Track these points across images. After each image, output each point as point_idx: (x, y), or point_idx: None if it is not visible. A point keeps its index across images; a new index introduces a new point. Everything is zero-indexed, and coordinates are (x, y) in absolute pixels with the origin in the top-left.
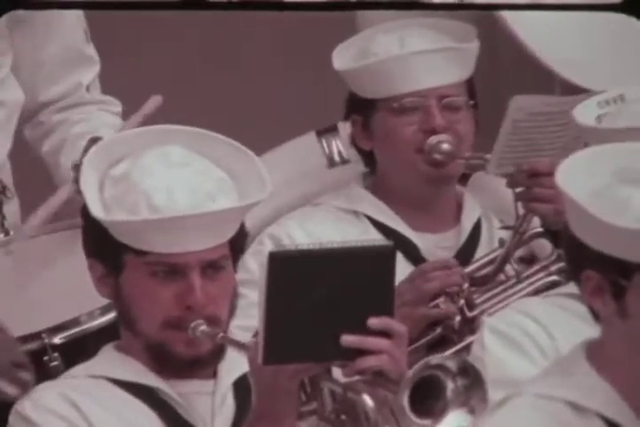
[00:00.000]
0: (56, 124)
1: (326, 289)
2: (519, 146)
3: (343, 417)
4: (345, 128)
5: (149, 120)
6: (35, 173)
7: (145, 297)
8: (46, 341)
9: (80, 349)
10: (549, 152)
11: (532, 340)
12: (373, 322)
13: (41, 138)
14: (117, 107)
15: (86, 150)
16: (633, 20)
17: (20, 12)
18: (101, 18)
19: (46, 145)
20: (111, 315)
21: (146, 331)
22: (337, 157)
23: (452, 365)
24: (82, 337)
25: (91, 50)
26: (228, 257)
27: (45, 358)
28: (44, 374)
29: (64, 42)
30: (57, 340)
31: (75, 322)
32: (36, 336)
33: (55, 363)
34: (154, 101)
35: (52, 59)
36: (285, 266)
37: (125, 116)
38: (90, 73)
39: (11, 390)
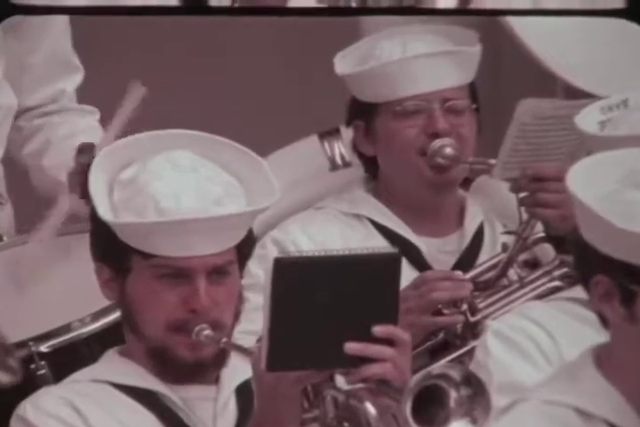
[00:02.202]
0: (37, 128)
1: (331, 296)
2: (525, 150)
3: (345, 425)
4: (347, 132)
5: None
6: (28, 179)
7: (150, 300)
8: (33, 349)
9: (72, 356)
10: (556, 157)
11: (535, 344)
12: (378, 330)
13: (21, 141)
14: (96, 115)
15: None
16: (635, 24)
17: (15, 17)
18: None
19: (27, 148)
20: (102, 322)
21: (150, 334)
22: (339, 160)
23: (455, 374)
24: (72, 344)
25: (75, 59)
26: (235, 263)
27: (32, 366)
28: (31, 382)
29: (52, 48)
30: (44, 348)
31: (65, 329)
32: (22, 344)
33: (42, 371)
34: (137, 92)
35: (39, 64)
36: (290, 272)
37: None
38: (73, 81)
39: (3, 377)
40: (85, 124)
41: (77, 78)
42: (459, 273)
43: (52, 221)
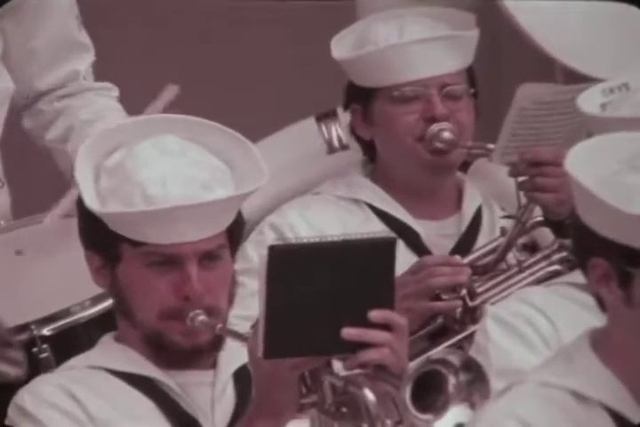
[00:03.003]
0: (58, 112)
1: (327, 282)
2: (525, 134)
3: (343, 410)
4: (344, 115)
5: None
6: (25, 162)
7: (142, 288)
8: (35, 332)
9: (71, 340)
10: (554, 141)
11: (535, 329)
12: (374, 315)
13: (43, 126)
14: (115, 92)
15: None
16: (635, 8)
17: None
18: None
19: (50, 133)
20: (102, 305)
21: (144, 321)
22: (336, 143)
23: (454, 360)
24: (72, 328)
25: (83, 37)
26: (226, 247)
27: (34, 349)
28: (34, 366)
29: (56, 29)
30: (46, 331)
31: (65, 313)
32: (24, 328)
33: (45, 355)
34: (171, 91)
35: (44, 46)
36: (286, 259)
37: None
38: (85, 60)
39: (9, 370)
40: (105, 105)
41: (88, 57)
42: (457, 258)
43: (65, 203)
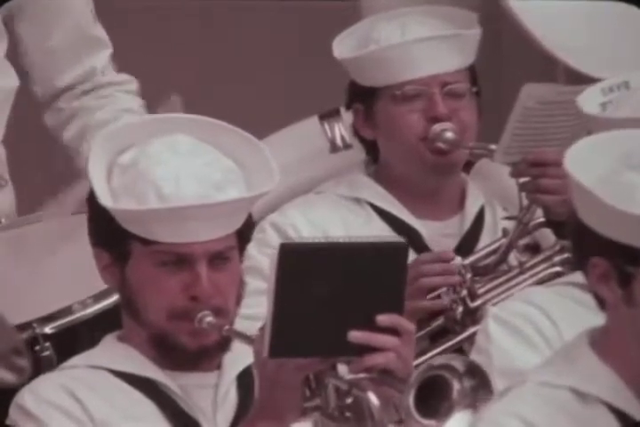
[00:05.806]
0: (76, 111)
1: (337, 283)
2: (528, 134)
3: (347, 414)
4: (347, 114)
5: None
6: (30, 161)
7: (151, 287)
8: (37, 331)
9: (73, 338)
10: (557, 142)
11: (536, 329)
12: (382, 319)
13: (62, 125)
14: (133, 85)
15: None
16: (635, 8)
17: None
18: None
19: (68, 131)
20: (104, 304)
21: (151, 321)
22: (339, 142)
23: (458, 365)
24: (74, 326)
25: (100, 31)
26: (235, 248)
27: (37, 347)
28: (36, 364)
29: (72, 26)
30: (48, 329)
31: (67, 311)
32: (26, 326)
33: (47, 353)
34: (172, 104)
35: (61, 44)
36: (296, 259)
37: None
38: (102, 55)
39: (9, 377)
40: (123, 105)
41: (106, 52)
42: (449, 253)
43: (79, 190)
